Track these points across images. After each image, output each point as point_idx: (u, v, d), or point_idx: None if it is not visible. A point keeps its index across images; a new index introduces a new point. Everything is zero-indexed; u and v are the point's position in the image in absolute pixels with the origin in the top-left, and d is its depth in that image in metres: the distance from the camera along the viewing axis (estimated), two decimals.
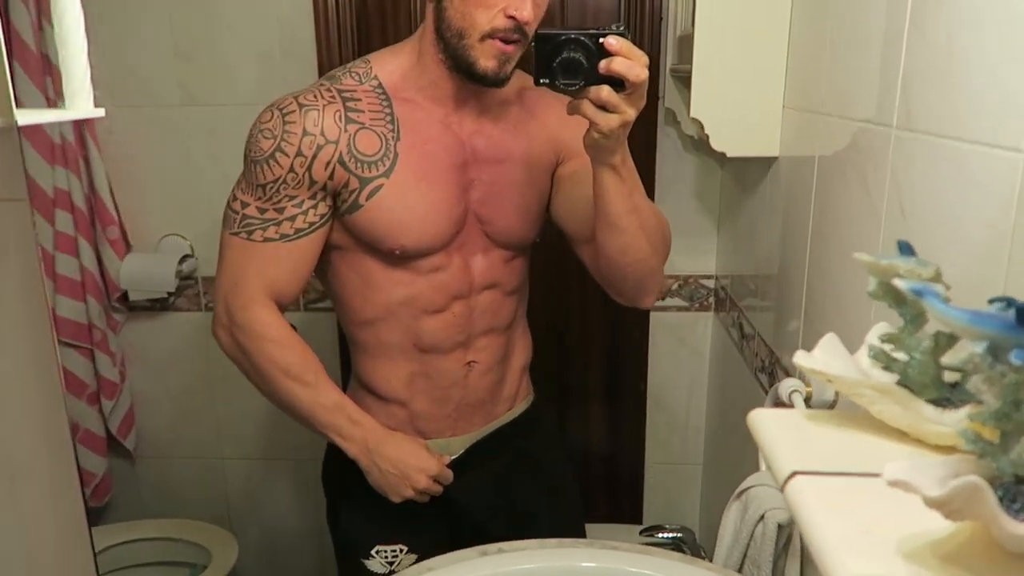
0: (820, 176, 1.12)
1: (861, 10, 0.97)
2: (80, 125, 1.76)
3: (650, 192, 1.71)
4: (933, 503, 0.36)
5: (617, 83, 0.91)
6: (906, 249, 0.49)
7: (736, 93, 1.31)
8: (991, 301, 0.42)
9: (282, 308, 1.15)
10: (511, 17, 1.01)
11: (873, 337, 0.52)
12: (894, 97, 0.86)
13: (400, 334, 1.18)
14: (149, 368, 1.99)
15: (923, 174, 0.80)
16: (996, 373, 0.37)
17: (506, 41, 1.03)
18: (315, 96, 1.09)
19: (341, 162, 1.08)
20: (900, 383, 0.51)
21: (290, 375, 1.14)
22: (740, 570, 1.15)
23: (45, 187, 1.71)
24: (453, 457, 1.24)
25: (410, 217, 1.11)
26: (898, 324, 0.52)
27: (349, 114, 1.09)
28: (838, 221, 1.05)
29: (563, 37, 0.92)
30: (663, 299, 1.92)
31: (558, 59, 0.92)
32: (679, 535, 1.66)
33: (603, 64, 0.90)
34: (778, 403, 1.10)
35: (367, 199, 1.10)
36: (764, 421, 0.55)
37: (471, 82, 1.08)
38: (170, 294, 1.92)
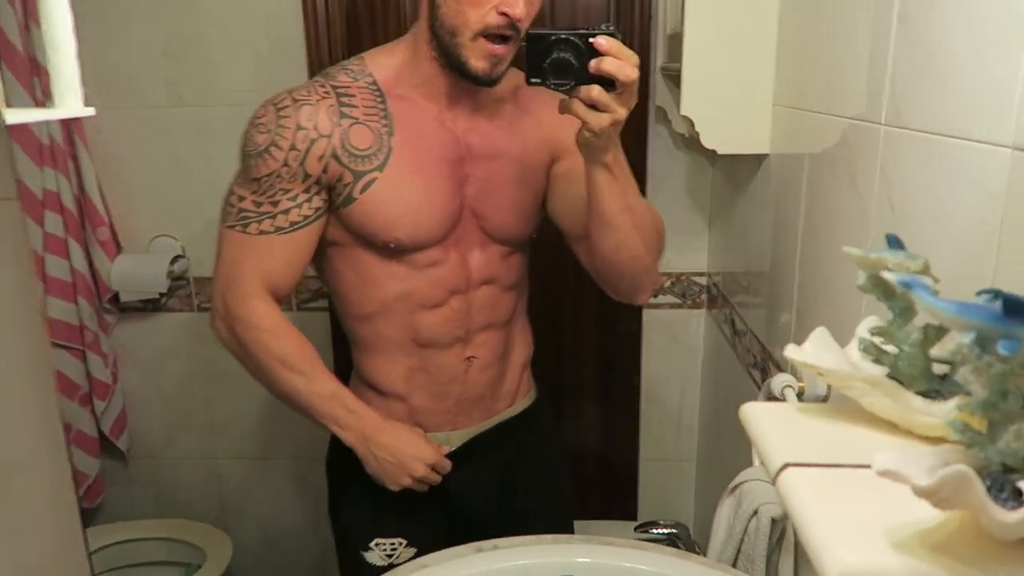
0: (810, 173, 1.13)
1: (849, 7, 0.98)
2: (69, 126, 1.75)
3: (642, 190, 1.71)
4: (922, 492, 0.37)
5: (608, 82, 0.92)
6: (895, 243, 0.50)
7: (726, 91, 1.32)
8: (979, 293, 0.42)
9: (279, 300, 1.16)
10: (503, 14, 1.02)
11: (863, 330, 0.53)
12: (882, 94, 0.86)
13: (398, 329, 1.19)
14: (141, 369, 1.99)
15: (912, 170, 0.80)
16: (983, 363, 0.38)
17: (499, 39, 1.04)
18: (309, 92, 1.11)
19: (334, 156, 1.09)
20: (890, 375, 0.51)
21: (287, 365, 1.15)
22: (734, 565, 1.15)
23: (34, 188, 1.71)
24: (452, 449, 1.24)
25: (404, 210, 1.12)
26: (888, 318, 0.52)
27: (343, 109, 1.10)
28: (828, 217, 1.06)
29: (554, 37, 0.93)
30: (656, 296, 1.93)
31: (549, 59, 0.93)
32: (674, 531, 1.67)
33: (593, 64, 0.91)
34: (771, 398, 1.11)
35: (361, 192, 1.11)
36: (756, 414, 0.55)
37: (464, 80, 1.09)
38: (162, 295, 1.91)
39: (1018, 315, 0.37)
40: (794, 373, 1.11)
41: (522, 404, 1.34)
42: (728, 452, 1.67)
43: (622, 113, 0.94)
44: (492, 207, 1.18)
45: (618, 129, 0.96)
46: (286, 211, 1.11)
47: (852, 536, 0.40)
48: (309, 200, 1.11)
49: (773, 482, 0.47)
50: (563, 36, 0.92)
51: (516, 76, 1.13)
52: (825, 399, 1.05)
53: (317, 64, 1.76)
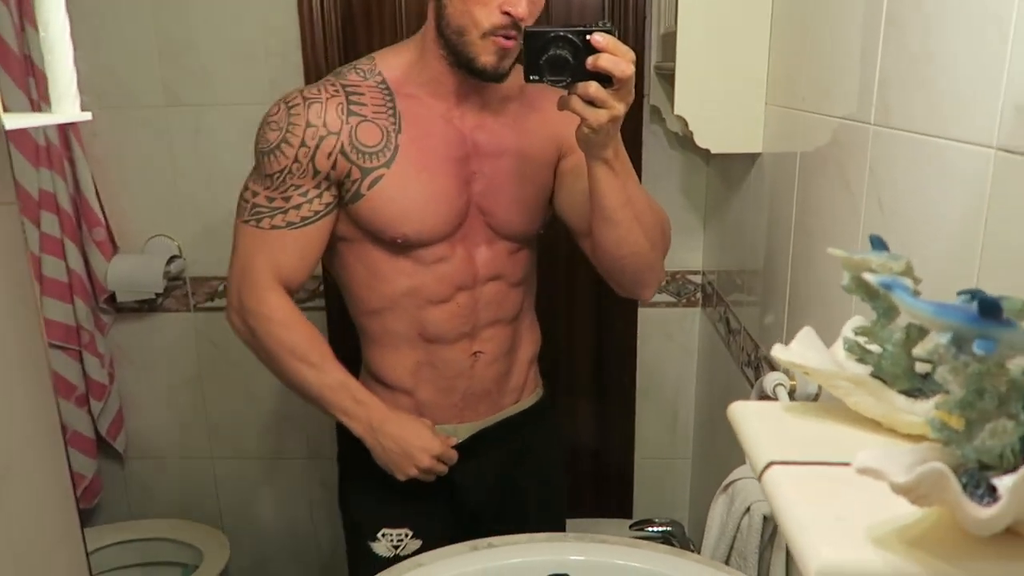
0: (802, 172, 1.14)
1: (840, 8, 0.98)
2: (65, 127, 1.76)
3: None
4: (899, 489, 0.37)
5: (605, 79, 0.93)
6: (878, 244, 0.51)
7: (719, 90, 1.33)
8: (959, 294, 0.43)
9: (291, 293, 1.19)
10: (507, 13, 1.04)
11: (848, 330, 0.54)
12: (872, 94, 0.87)
13: (406, 324, 1.21)
14: (138, 369, 2.00)
15: (900, 170, 0.81)
16: (960, 363, 0.38)
17: (505, 37, 1.06)
18: (319, 90, 1.14)
19: (343, 152, 1.12)
20: (874, 375, 0.52)
21: (297, 356, 1.17)
22: (727, 562, 1.16)
23: (30, 189, 1.71)
24: (459, 441, 1.25)
25: (410, 206, 1.14)
26: (872, 318, 0.53)
27: (351, 107, 1.13)
28: (820, 216, 1.07)
29: (551, 34, 0.94)
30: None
31: (545, 56, 0.94)
32: (668, 529, 1.68)
33: (590, 60, 0.93)
34: (763, 396, 1.12)
35: (368, 188, 1.13)
36: (744, 413, 0.56)
37: (472, 77, 1.11)
38: (158, 295, 1.92)
39: (993, 316, 0.38)
40: (786, 372, 1.12)
41: (529, 400, 1.36)
42: (723, 450, 1.68)
43: (620, 109, 0.95)
44: (498, 204, 1.20)
45: (617, 125, 0.98)
46: (297, 206, 1.14)
47: (833, 532, 0.41)
48: (319, 196, 1.14)
49: (759, 479, 0.48)
50: (560, 33, 0.94)
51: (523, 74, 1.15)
52: (816, 397, 1.06)
53: (312, 65, 1.77)
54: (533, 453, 1.37)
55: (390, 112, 1.14)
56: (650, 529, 1.67)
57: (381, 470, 1.20)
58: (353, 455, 1.26)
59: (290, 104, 1.13)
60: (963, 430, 0.40)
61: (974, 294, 0.39)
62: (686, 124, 1.38)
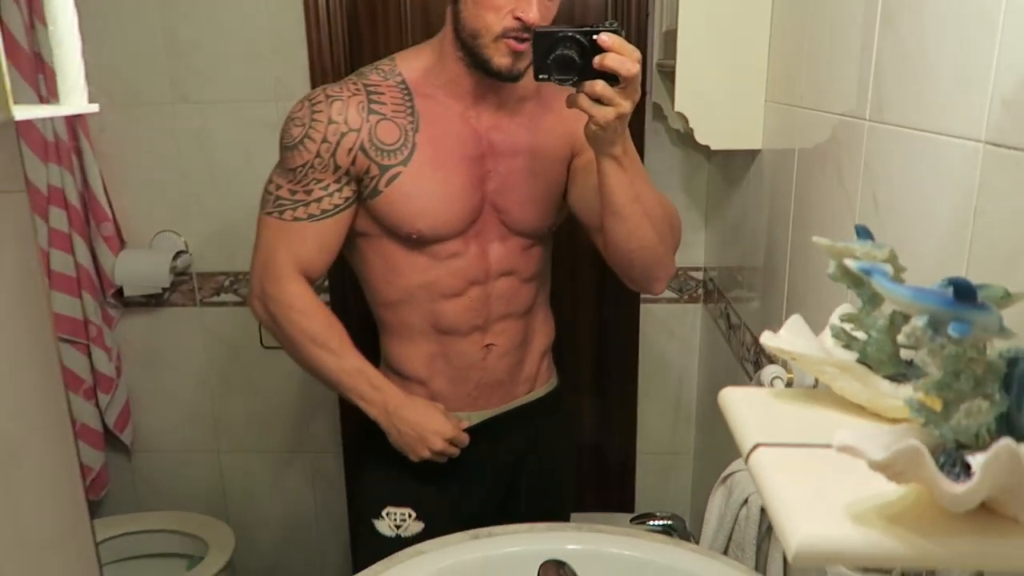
0: (800, 168, 1.15)
1: (838, 6, 1.00)
2: (73, 123, 1.78)
3: None
4: (877, 466, 0.39)
5: (611, 78, 0.96)
6: (864, 233, 0.52)
7: (719, 87, 1.34)
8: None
9: (311, 282, 1.23)
10: (518, 18, 1.07)
11: (835, 317, 0.55)
12: (867, 90, 0.88)
13: (420, 316, 1.25)
14: (145, 363, 2.02)
15: (894, 165, 0.82)
16: (936, 345, 0.40)
17: (519, 40, 1.09)
18: (341, 89, 1.18)
19: (362, 149, 1.16)
20: (860, 361, 0.53)
21: (316, 342, 1.21)
22: (725, 553, 1.17)
23: (39, 184, 1.73)
24: (471, 424, 1.29)
25: (426, 203, 1.18)
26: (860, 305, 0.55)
27: (372, 106, 1.17)
28: (817, 212, 1.08)
29: (559, 34, 0.97)
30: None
31: (553, 55, 0.97)
32: (669, 523, 1.69)
33: (597, 60, 0.96)
34: None
35: (386, 185, 1.17)
36: (734, 399, 0.57)
37: (488, 78, 1.15)
38: (164, 290, 1.94)
39: (968, 299, 0.39)
40: (784, 365, 1.13)
41: (542, 391, 1.39)
42: (724, 445, 1.69)
43: (626, 107, 0.98)
44: (512, 202, 1.23)
45: (624, 122, 1.01)
46: (318, 199, 1.18)
47: (814, 509, 0.42)
48: (340, 190, 1.18)
49: (745, 461, 0.50)
50: (568, 33, 0.97)
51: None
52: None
53: (318, 64, 1.79)
54: (544, 442, 1.40)
55: (409, 111, 1.18)
56: (651, 523, 1.68)
57: (392, 452, 1.24)
58: (367, 437, 1.30)
59: (313, 101, 1.17)
60: (941, 411, 0.42)
61: (951, 280, 0.41)
62: (686, 121, 1.39)
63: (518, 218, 1.24)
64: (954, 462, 0.41)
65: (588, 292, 1.94)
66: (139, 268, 1.88)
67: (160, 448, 2.08)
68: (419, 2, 1.78)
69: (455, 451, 1.25)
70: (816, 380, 1.10)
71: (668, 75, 1.63)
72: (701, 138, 1.39)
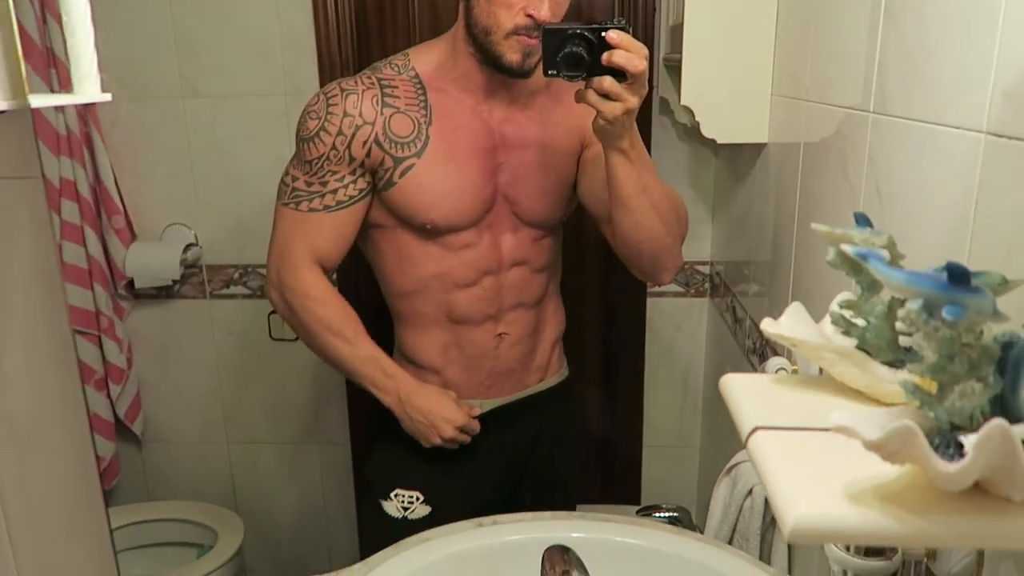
0: (805, 162, 1.15)
1: (842, 0, 1.00)
2: (84, 116, 1.80)
3: None
4: (871, 446, 0.39)
5: (619, 73, 0.99)
6: (862, 220, 0.52)
7: (725, 81, 1.34)
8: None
9: (326, 272, 1.25)
10: (530, 16, 1.09)
11: (834, 304, 0.56)
12: (871, 83, 0.89)
13: (434, 306, 1.27)
14: (155, 354, 2.04)
15: (898, 157, 0.83)
16: (931, 328, 0.40)
17: (528, 36, 1.11)
18: (355, 82, 1.20)
19: (377, 142, 1.18)
20: (859, 347, 0.54)
21: (332, 331, 1.24)
22: (730, 543, 1.18)
23: (51, 177, 1.75)
24: (482, 411, 1.31)
25: (439, 194, 1.20)
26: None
27: (386, 99, 1.19)
28: (822, 205, 1.08)
29: (568, 31, 0.99)
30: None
31: (562, 52, 1.00)
32: (675, 515, 1.70)
33: (604, 56, 0.98)
34: None
35: (400, 177, 1.20)
36: (734, 385, 0.58)
37: (500, 74, 1.17)
38: (175, 282, 1.96)
39: (962, 283, 0.40)
40: (788, 356, 1.14)
41: (553, 380, 1.41)
42: (730, 437, 1.70)
43: (634, 102, 1.01)
44: (524, 193, 1.25)
45: (632, 116, 1.03)
46: (334, 191, 1.20)
47: (811, 489, 0.43)
48: (355, 182, 1.21)
49: (744, 444, 0.50)
50: (576, 31, 0.99)
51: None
52: None
53: (326, 58, 1.80)
54: (554, 432, 1.42)
55: (422, 105, 1.20)
56: (657, 515, 1.69)
57: (404, 436, 1.27)
58: (381, 423, 1.32)
59: (329, 95, 1.19)
60: (936, 393, 0.42)
61: (946, 264, 0.41)
62: (693, 115, 1.40)
63: (529, 209, 1.26)
64: (948, 443, 0.42)
65: (595, 285, 1.95)
66: (150, 260, 1.91)
67: (170, 438, 2.10)
68: None
69: (466, 438, 1.27)
70: (821, 370, 1.11)
71: (675, 69, 1.63)
72: (707, 132, 1.39)
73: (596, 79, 0.99)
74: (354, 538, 2.09)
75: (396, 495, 1.31)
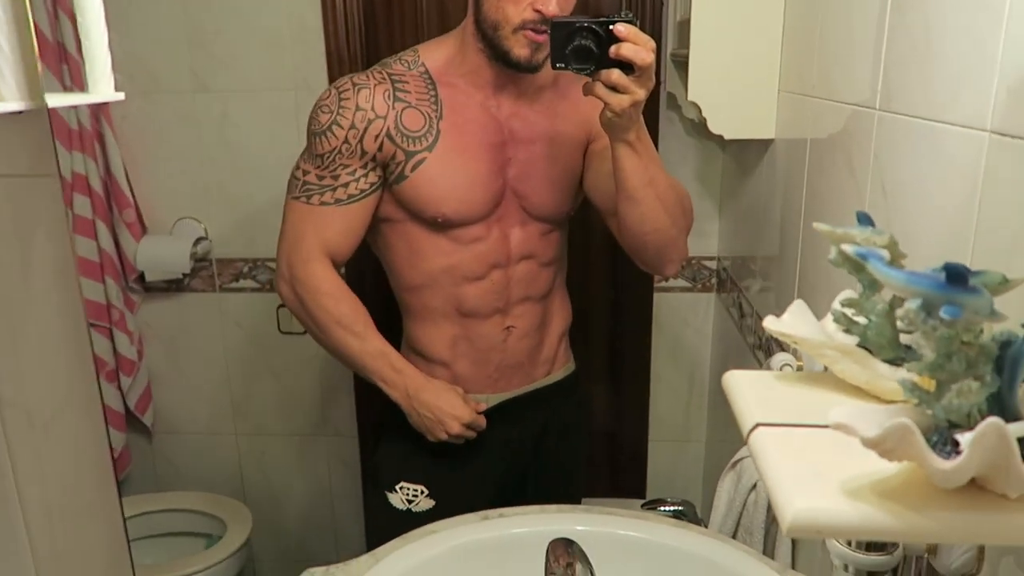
0: (812, 158, 1.16)
1: None
2: (96, 111, 1.81)
3: None
4: (869, 443, 0.40)
5: (626, 66, 1.00)
6: (864, 219, 0.53)
7: (733, 77, 1.35)
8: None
9: (336, 265, 1.26)
10: (537, 11, 1.11)
11: (836, 302, 0.56)
12: (877, 81, 0.89)
13: (443, 299, 1.28)
14: (166, 347, 2.06)
15: (902, 154, 0.83)
16: (929, 327, 0.41)
17: (537, 32, 1.12)
18: (367, 77, 1.21)
19: (389, 136, 1.20)
20: (860, 344, 0.55)
21: (342, 325, 1.25)
22: (734, 537, 1.19)
23: (63, 171, 1.77)
24: (488, 406, 1.32)
25: (450, 188, 1.21)
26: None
27: (397, 94, 1.20)
28: (827, 201, 1.09)
29: (576, 25, 1.01)
30: (667, 279, 1.96)
31: (571, 45, 1.01)
32: (680, 508, 1.70)
33: (613, 49, 0.99)
34: None
35: (412, 170, 1.21)
36: (737, 381, 0.59)
37: (508, 69, 1.18)
38: (185, 275, 1.98)
39: (959, 283, 0.40)
40: (794, 353, 1.14)
41: (560, 373, 1.42)
42: (735, 432, 1.70)
43: (641, 94, 1.02)
44: (532, 188, 1.26)
45: (639, 109, 1.04)
46: (345, 184, 1.21)
47: (810, 484, 0.44)
48: (366, 175, 1.22)
49: (746, 441, 0.51)
50: (585, 24, 1.00)
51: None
52: None
53: (335, 53, 1.81)
54: (560, 425, 1.43)
55: (432, 100, 1.21)
56: (661, 508, 1.70)
57: (411, 431, 1.28)
58: (388, 416, 1.33)
59: (341, 89, 1.20)
60: (934, 391, 0.43)
61: (945, 265, 0.42)
62: (700, 110, 1.40)
63: (537, 204, 1.27)
64: (946, 441, 0.42)
65: (602, 280, 1.95)
66: (160, 254, 1.92)
67: (180, 430, 2.12)
68: None
69: (472, 434, 1.28)
70: (825, 367, 1.12)
71: (682, 65, 1.63)
72: (714, 127, 1.40)
73: (604, 72, 1.01)
74: (361, 529, 2.11)
75: (401, 488, 1.33)
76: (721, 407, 1.93)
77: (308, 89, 1.82)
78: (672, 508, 1.70)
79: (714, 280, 1.96)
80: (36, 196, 0.53)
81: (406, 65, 1.24)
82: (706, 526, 1.67)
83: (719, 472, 1.28)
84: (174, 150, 1.92)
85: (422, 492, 1.32)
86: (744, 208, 1.65)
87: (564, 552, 0.78)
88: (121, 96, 0.59)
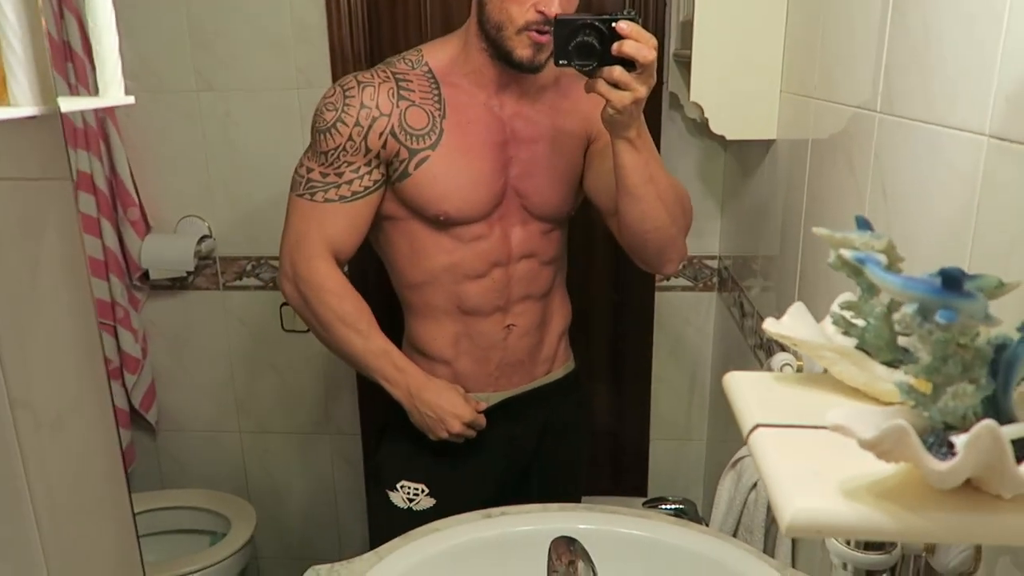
0: (813, 159, 1.16)
1: None
2: (101, 111, 1.82)
3: None
4: (866, 445, 0.41)
5: (628, 64, 1.01)
6: (863, 224, 0.54)
7: (735, 77, 1.35)
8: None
9: (340, 263, 1.27)
10: (541, 12, 1.12)
11: (835, 305, 0.57)
12: (878, 83, 0.90)
13: (444, 297, 1.29)
14: (170, 344, 2.07)
15: (902, 156, 0.84)
16: (925, 331, 0.42)
17: (540, 33, 1.13)
18: (371, 76, 1.23)
19: (392, 134, 1.21)
20: (859, 347, 0.55)
21: (346, 323, 1.26)
22: (734, 536, 1.20)
23: None
24: (489, 405, 1.33)
25: (453, 186, 1.22)
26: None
27: (401, 92, 1.21)
28: (828, 202, 1.09)
29: (579, 22, 1.02)
30: (669, 279, 1.96)
31: (574, 42, 1.02)
32: (681, 507, 1.71)
33: (615, 46, 1.01)
34: None
35: (415, 168, 1.22)
36: (737, 382, 0.60)
37: (510, 69, 1.19)
38: (189, 273, 1.99)
39: (955, 288, 0.41)
40: (794, 353, 1.15)
41: (559, 372, 1.44)
42: (736, 432, 1.71)
43: (642, 91, 1.03)
44: (533, 187, 1.27)
45: (640, 106, 1.05)
46: (349, 182, 1.22)
47: (808, 485, 0.45)
48: (370, 173, 1.23)
49: (746, 441, 0.52)
50: (587, 21, 1.02)
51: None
52: None
53: (339, 53, 1.82)
54: (560, 424, 1.44)
55: (436, 99, 1.22)
56: (663, 507, 1.71)
57: (412, 430, 1.29)
58: (391, 415, 1.34)
59: (345, 87, 1.21)
60: (930, 393, 0.44)
61: (941, 270, 0.43)
62: (702, 111, 1.41)
63: (538, 203, 1.28)
64: (941, 443, 0.43)
65: (604, 279, 1.96)
66: (164, 252, 1.93)
67: (184, 427, 2.13)
68: None
69: (472, 433, 1.29)
70: (825, 368, 1.13)
71: (685, 65, 1.64)
72: (716, 128, 1.40)
73: (606, 68, 1.02)
74: (364, 527, 2.12)
75: (402, 486, 1.34)
76: (722, 406, 1.93)
77: (311, 88, 1.83)
78: (673, 507, 1.71)
79: (715, 280, 1.96)
80: (48, 199, 0.54)
81: (410, 64, 1.25)
82: (707, 525, 1.68)
83: (720, 471, 1.28)
84: (178, 149, 1.93)
85: (423, 491, 1.33)
86: (745, 208, 1.66)
87: (566, 550, 0.79)
88: (131, 100, 0.60)
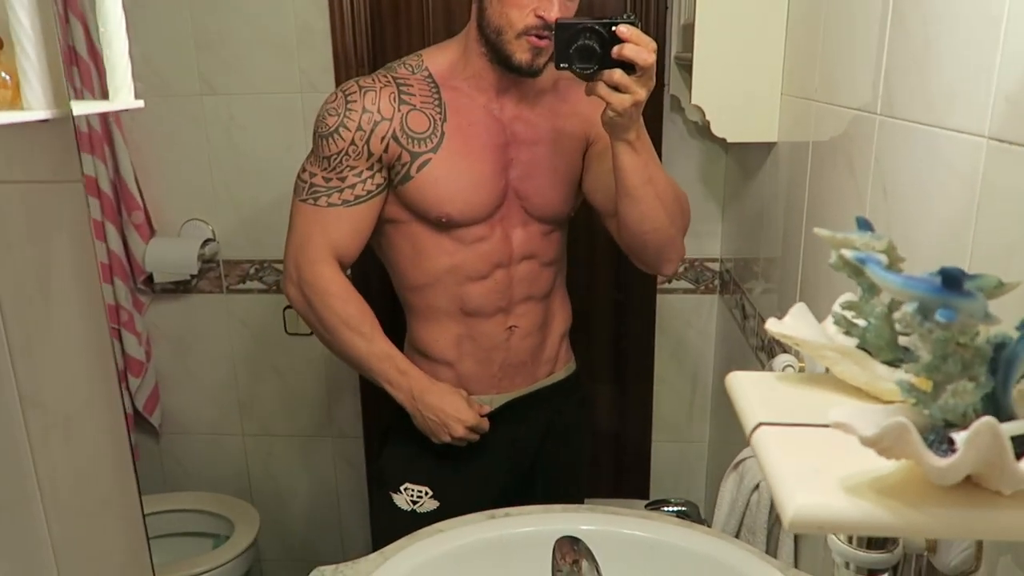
0: (814, 161, 1.17)
1: (852, 2, 1.01)
2: (106, 114, 1.83)
3: None
4: (867, 442, 0.42)
5: (628, 67, 1.02)
6: (864, 225, 0.54)
7: (736, 80, 1.36)
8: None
9: (343, 267, 1.28)
10: (540, 17, 1.13)
11: (837, 305, 0.58)
12: (878, 86, 0.91)
13: (447, 299, 1.30)
14: (173, 348, 2.08)
15: (903, 158, 0.84)
16: (926, 330, 0.42)
17: (539, 37, 1.14)
18: (373, 80, 1.24)
19: (394, 137, 1.22)
20: (860, 346, 0.56)
21: (349, 326, 1.26)
22: (737, 537, 1.20)
23: None
24: (492, 409, 1.34)
25: (455, 188, 1.23)
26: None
27: (402, 96, 1.23)
28: (829, 204, 1.10)
29: (580, 26, 1.04)
30: (670, 281, 1.97)
31: (574, 46, 1.03)
32: (683, 509, 1.72)
33: (615, 50, 1.02)
34: None
35: (417, 171, 1.23)
36: (740, 382, 0.60)
37: (510, 73, 1.20)
38: (193, 276, 1.99)
39: (955, 287, 0.42)
40: (796, 354, 1.16)
41: (561, 373, 1.44)
42: (738, 433, 1.71)
43: (642, 94, 1.04)
44: (534, 189, 1.28)
45: (639, 109, 1.07)
46: (352, 186, 1.23)
47: (811, 482, 0.45)
48: (372, 176, 1.24)
49: (748, 440, 0.53)
50: (588, 25, 1.03)
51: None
52: None
53: (342, 56, 1.83)
54: (562, 425, 1.45)
55: (436, 103, 1.24)
56: (665, 509, 1.72)
57: (416, 432, 1.30)
58: (394, 417, 1.35)
59: (347, 92, 1.23)
60: (930, 391, 0.44)
61: (941, 269, 0.43)
62: (703, 113, 1.41)
63: (539, 204, 1.30)
64: (942, 440, 0.44)
65: (605, 281, 1.97)
66: (168, 255, 1.94)
67: (188, 430, 2.14)
68: None
69: (475, 437, 1.30)
70: (827, 368, 1.13)
71: (686, 68, 1.64)
72: (718, 131, 1.41)
73: (607, 71, 1.03)
74: (366, 530, 2.13)
75: (406, 489, 1.34)
76: (724, 408, 1.94)
77: (315, 92, 1.84)
78: (675, 508, 1.72)
79: (717, 282, 1.97)
80: (59, 201, 0.55)
81: (410, 69, 1.26)
82: (709, 526, 1.69)
83: (722, 473, 1.29)
84: (182, 153, 1.94)
85: (426, 493, 1.34)
86: (747, 210, 1.67)
87: (570, 550, 0.79)
88: (141, 104, 0.61)
